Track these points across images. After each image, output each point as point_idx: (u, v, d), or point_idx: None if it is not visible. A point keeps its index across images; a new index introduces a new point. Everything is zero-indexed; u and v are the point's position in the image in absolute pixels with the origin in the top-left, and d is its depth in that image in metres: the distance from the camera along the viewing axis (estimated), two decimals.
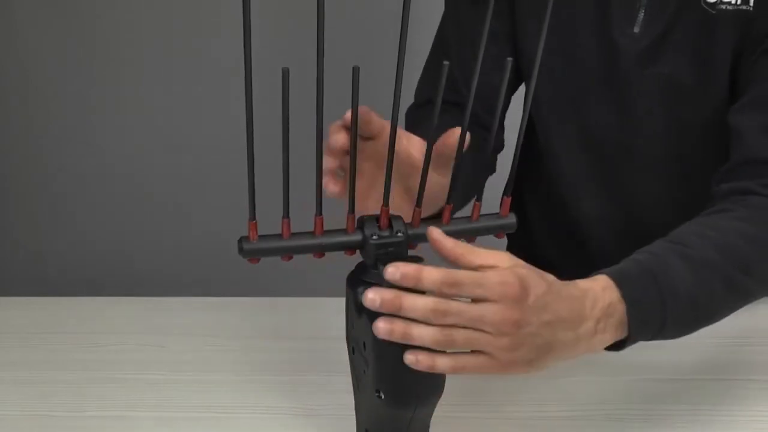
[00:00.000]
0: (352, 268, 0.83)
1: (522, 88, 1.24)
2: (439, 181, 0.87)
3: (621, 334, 0.87)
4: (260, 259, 0.82)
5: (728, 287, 0.93)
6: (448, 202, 0.85)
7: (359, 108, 0.81)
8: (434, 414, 0.87)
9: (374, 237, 0.82)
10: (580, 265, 0.91)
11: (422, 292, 0.78)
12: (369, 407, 0.85)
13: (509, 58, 0.79)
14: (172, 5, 2.21)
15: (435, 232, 0.81)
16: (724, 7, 1.06)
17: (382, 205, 0.82)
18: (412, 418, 0.84)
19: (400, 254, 0.82)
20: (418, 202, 0.83)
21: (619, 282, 0.87)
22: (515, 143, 0.85)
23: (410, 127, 1.23)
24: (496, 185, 1.01)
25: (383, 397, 0.82)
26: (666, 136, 1.16)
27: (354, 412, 0.89)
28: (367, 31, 2.11)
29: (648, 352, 1.05)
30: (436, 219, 0.86)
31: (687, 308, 0.90)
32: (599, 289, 0.86)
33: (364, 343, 0.81)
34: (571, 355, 0.84)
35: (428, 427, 0.88)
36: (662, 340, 0.91)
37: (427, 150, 0.81)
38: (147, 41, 2.23)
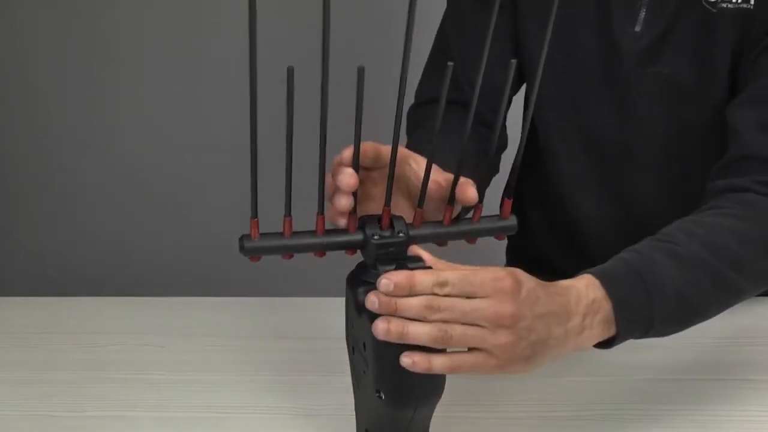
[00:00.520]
0: (352, 268, 0.83)
1: (522, 89, 1.24)
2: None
3: (608, 332, 0.87)
4: (261, 257, 0.82)
5: (717, 284, 0.93)
6: (449, 204, 0.85)
7: (365, 144, 0.82)
8: (434, 414, 0.87)
9: (375, 237, 0.82)
10: (580, 265, 0.91)
11: None
12: (369, 407, 0.85)
13: (513, 60, 0.79)
14: (172, 5, 2.21)
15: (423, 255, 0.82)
16: (724, 5, 1.06)
17: (384, 206, 0.82)
18: (412, 419, 0.84)
19: (400, 254, 0.82)
20: (420, 203, 0.83)
21: (604, 280, 0.87)
22: (518, 146, 0.85)
23: (412, 127, 1.23)
24: (495, 185, 1.01)
25: (384, 397, 0.82)
26: (666, 136, 1.16)
27: (354, 412, 0.89)
28: (367, 31, 2.11)
29: (647, 352, 1.05)
30: (437, 221, 0.86)
31: (675, 306, 0.90)
32: (582, 286, 0.86)
33: (364, 343, 0.81)
34: (562, 352, 0.84)
35: (428, 427, 0.88)
36: (657, 338, 0.91)
37: (430, 150, 0.81)
38: (147, 41, 2.23)
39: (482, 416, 0.99)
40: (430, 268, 0.81)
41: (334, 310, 0.94)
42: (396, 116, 0.78)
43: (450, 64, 0.76)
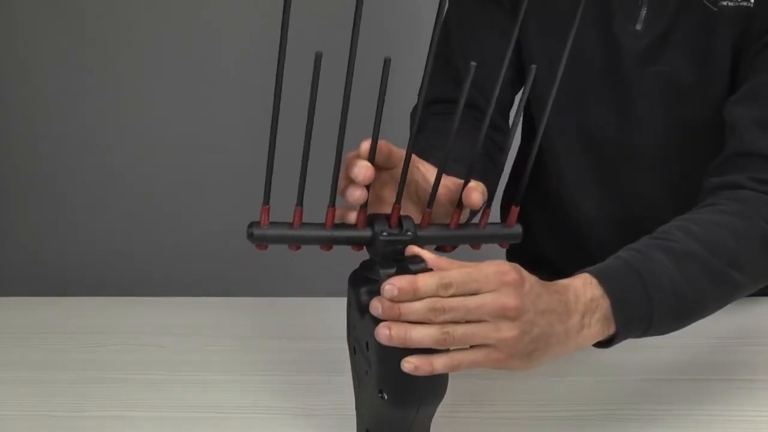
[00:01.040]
0: (353, 268, 0.83)
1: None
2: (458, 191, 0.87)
3: (608, 330, 0.87)
4: (268, 246, 0.81)
5: (715, 281, 0.93)
6: (457, 207, 0.85)
7: (379, 141, 0.81)
8: (435, 413, 0.87)
9: (384, 233, 0.82)
10: (580, 265, 0.91)
11: None
12: (371, 407, 0.85)
13: (533, 65, 0.79)
14: (171, 5, 2.21)
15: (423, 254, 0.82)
16: (725, 3, 1.07)
17: (394, 203, 0.82)
18: (414, 419, 0.84)
19: (401, 254, 0.82)
20: (429, 204, 0.84)
21: (601, 278, 0.87)
22: (515, 149, 0.85)
23: (417, 130, 1.23)
24: None
25: (387, 397, 0.82)
26: (666, 135, 1.16)
27: (354, 412, 0.89)
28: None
29: (647, 351, 1.05)
30: (444, 223, 0.86)
31: (674, 303, 0.90)
32: (579, 285, 0.86)
33: (366, 344, 0.81)
34: (562, 350, 0.84)
35: (429, 427, 0.88)
36: (656, 338, 0.91)
37: (446, 149, 0.81)
38: (147, 41, 2.24)
39: (482, 416, 0.99)
40: (431, 269, 0.81)
41: (334, 310, 0.94)
42: (415, 107, 0.77)
43: (473, 64, 0.76)
